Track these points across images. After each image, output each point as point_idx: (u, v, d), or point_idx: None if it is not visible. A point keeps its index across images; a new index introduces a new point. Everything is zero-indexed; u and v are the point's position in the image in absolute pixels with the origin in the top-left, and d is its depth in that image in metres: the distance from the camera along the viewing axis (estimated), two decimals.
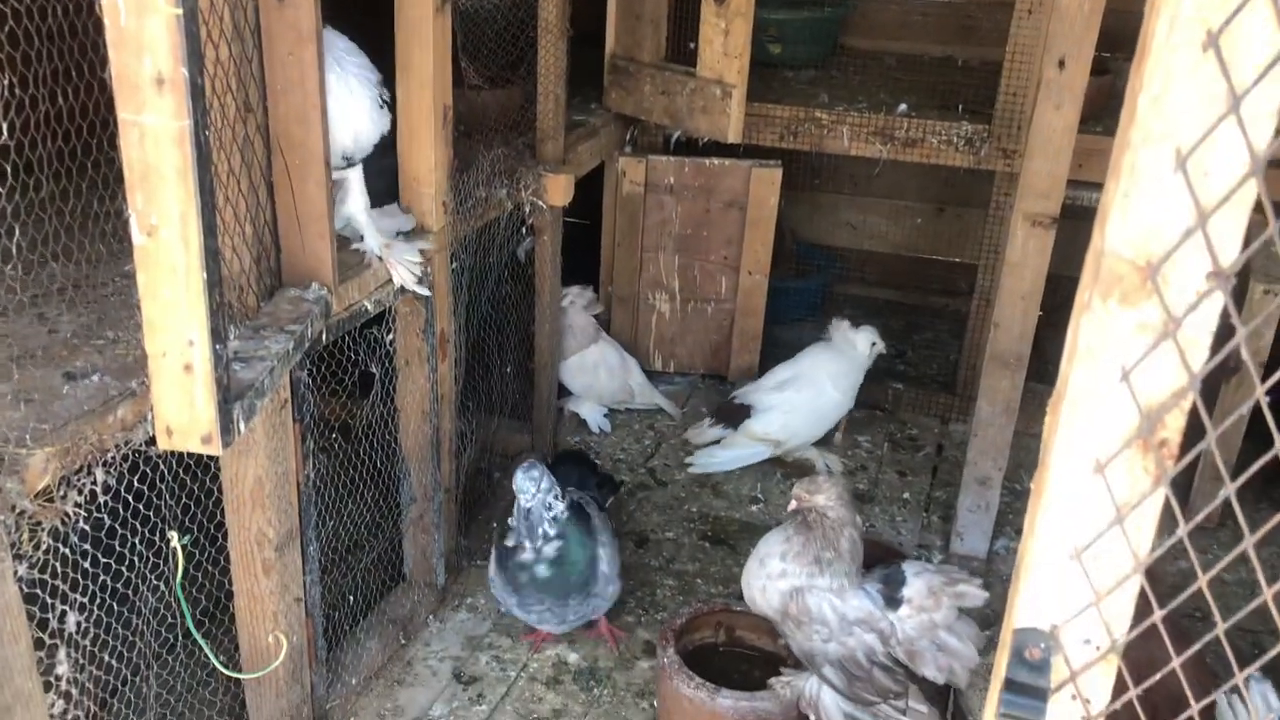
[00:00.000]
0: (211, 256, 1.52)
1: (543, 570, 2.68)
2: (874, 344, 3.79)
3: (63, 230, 2.03)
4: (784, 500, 3.66)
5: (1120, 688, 1.01)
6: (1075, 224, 2.97)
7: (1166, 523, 0.97)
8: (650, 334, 4.28)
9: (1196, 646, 0.96)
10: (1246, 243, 0.83)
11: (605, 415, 4.01)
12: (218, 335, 1.57)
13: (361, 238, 2.49)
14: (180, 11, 1.36)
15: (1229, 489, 0.87)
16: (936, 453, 4.02)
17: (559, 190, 3.35)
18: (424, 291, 2.61)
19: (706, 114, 3.66)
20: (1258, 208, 0.83)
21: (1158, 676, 0.94)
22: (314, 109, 1.96)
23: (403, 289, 2.56)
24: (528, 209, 3.35)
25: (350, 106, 2.25)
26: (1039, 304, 3.08)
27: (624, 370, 3.98)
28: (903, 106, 3.86)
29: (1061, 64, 2.81)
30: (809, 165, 4.60)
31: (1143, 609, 0.96)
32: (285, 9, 1.87)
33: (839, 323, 3.85)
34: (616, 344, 4.05)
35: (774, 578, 2.44)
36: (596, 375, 3.90)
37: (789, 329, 4.48)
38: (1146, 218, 0.85)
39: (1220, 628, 0.87)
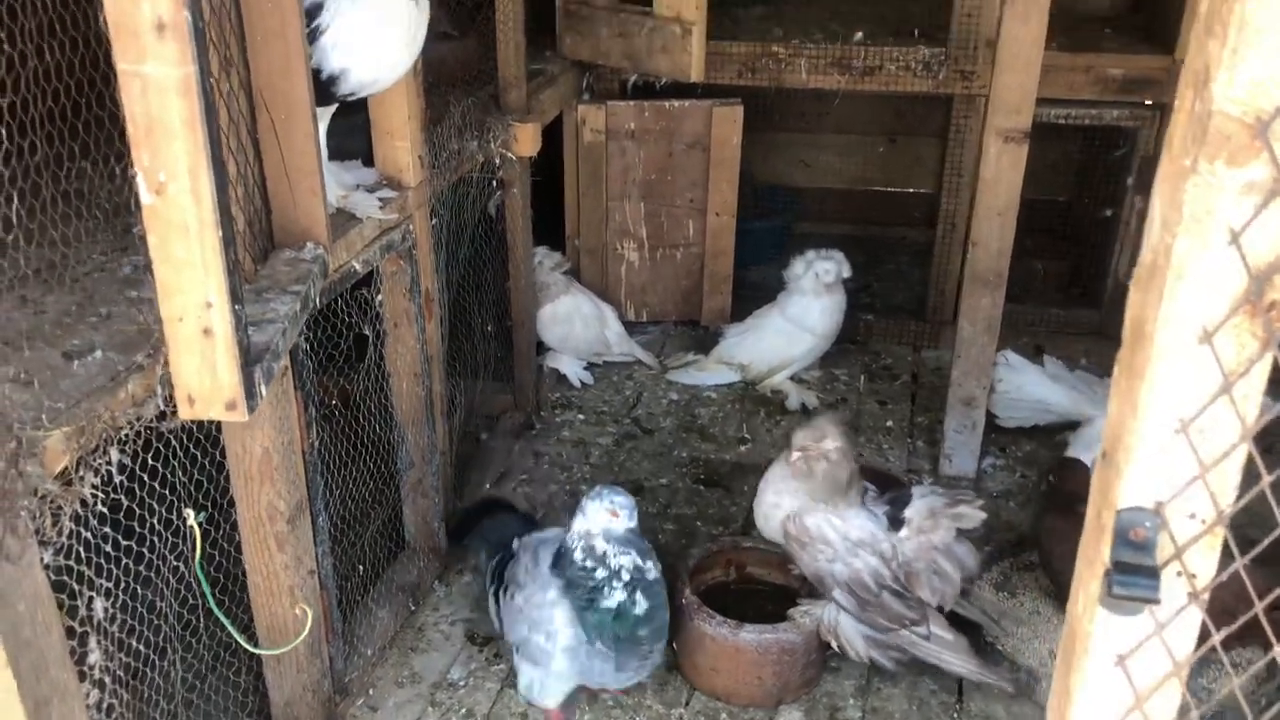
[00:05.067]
0: (224, 212, 1.45)
1: (642, 607, 2.34)
2: (816, 274, 3.79)
3: (25, 212, 1.93)
4: (771, 439, 3.69)
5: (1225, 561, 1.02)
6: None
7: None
8: (621, 284, 4.25)
9: None
10: None
11: (585, 368, 3.98)
12: (235, 296, 1.50)
13: None
14: None
15: None
16: (913, 380, 4.06)
17: (527, 140, 3.29)
18: (382, 216, 2.45)
19: (667, 54, 3.60)
20: None
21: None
22: (297, 59, 1.87)
23: (389, 248, 2.48)
24: (497, 161, 3.28)
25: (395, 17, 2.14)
26: (1015, 220, 3.11)
27: (599, 320, 3.94)
28: (859, 35, 3.85)
29: None
30: (762, 104, 4.57)
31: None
32: None
33: (792, 261, 3.89)
34: (590, 294, 4.01)
35: (770, 505, 2.46)
36: (572, 325, 3.87)
37: (755, 271, 4.47)
38: (1256, 72, 0.84)
39: None
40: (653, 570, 2.38)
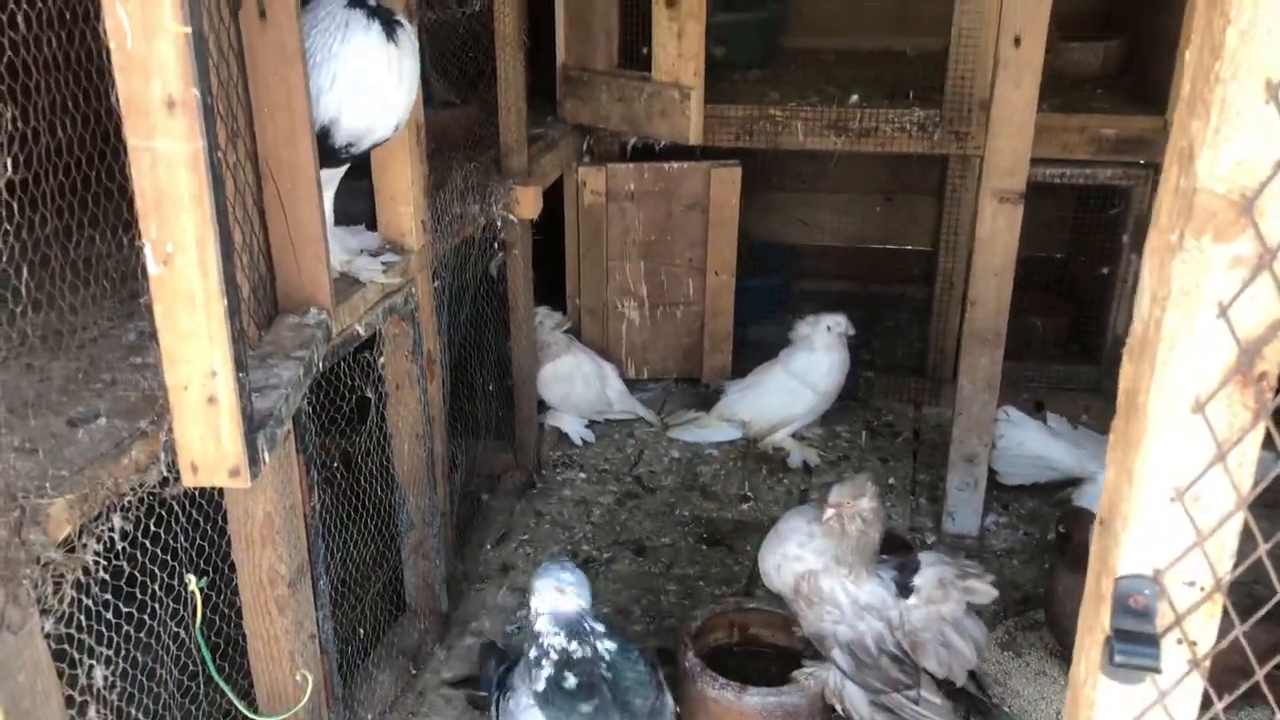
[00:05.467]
0: (230, 282, 1.47)
1: (572, 683, 2.17)
2: (828, 327, 3.82)
3: (33, 282, 1.95)
4: (773, 496, 3.68)
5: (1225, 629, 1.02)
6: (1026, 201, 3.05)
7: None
8: (622, 342, 4.27)
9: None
10: None
11: (586, 426, 3.99)
12: (240, 364, 1.52)
13: None
14: (189, 30, 1.31)
15: None
16: (914, 437, 4.06)
17: (529, 202, 3.33)
18: (385, 280, 2.46)
19: (666, 117, 3.67)
20: None
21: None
22: (302, 129, 1.91)
23: (391, 311, 2.51)
24: (499, 223, 3.32)
25: (385, 72, 2.17)
26: (1012, 279, 3.14)
27: (600, 379, 3.96)
28: (855, 97, 3.92)
29: (1018, 41, 2.88)
30: (760, 165, 4.64)
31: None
32: (268, 29, 1.83)
33: (798, 322, 3.91)
34: (591, 352, 4.03)
35: (790, 559, 2.45)
36: (572, 385, 3.88)
37: (756, 328, 4.50)
38: (1239, 152, 0.86)
39: None
40: (587, 649, 2.19)
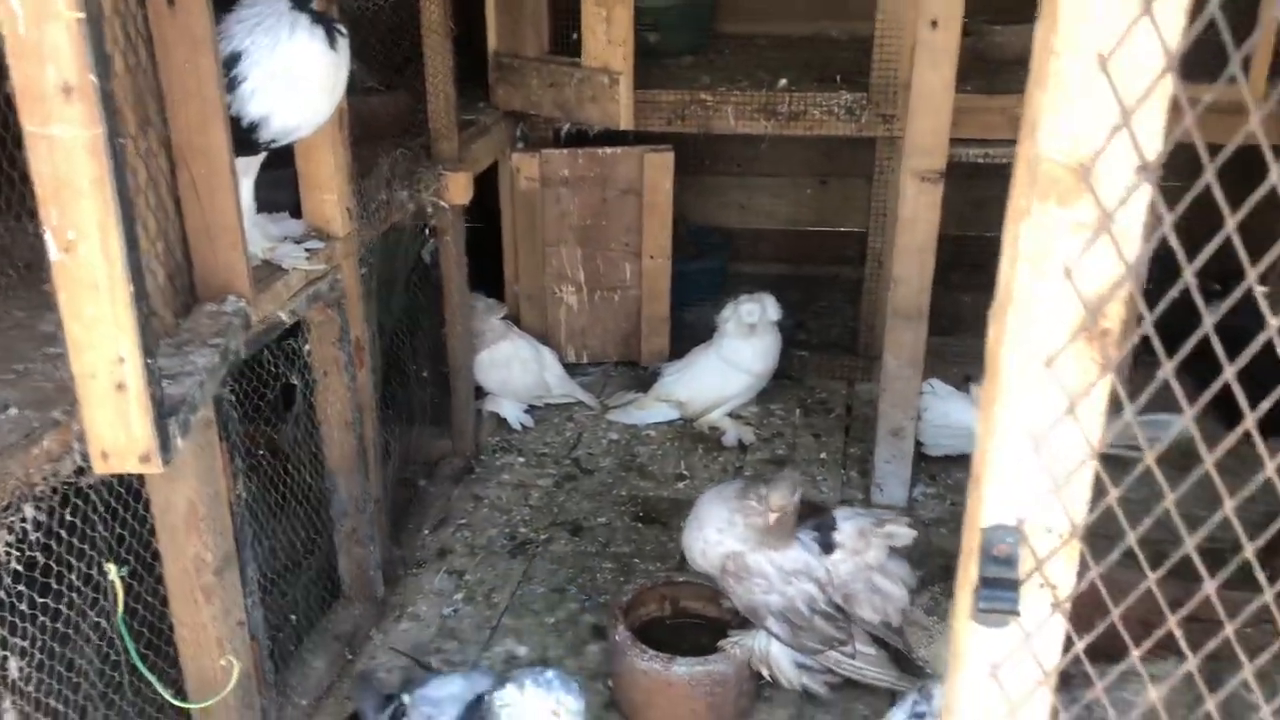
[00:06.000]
0: (136, 269, 1.48)
1: None
2: (737, 309, 3.87)
3: None
4: (709, 474, 3.74)
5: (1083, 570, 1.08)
6: (954, 181, 3.13)
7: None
8: (560, 327, 4.30)
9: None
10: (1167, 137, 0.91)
11: (525, 411, 4.01)
12: (148, 350, 1.52)
13: None
14: (82, 15, 1.32)
15: (1166, 368, 0.95)
16: (846, 413, 4.15)
17: (459, 188, 3.34)
18: (309, 267, 2.46)
19: (596, 103, 3.70)
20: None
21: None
22: (215, 115, 1.91)
23: (316, 298, 2.51)
24: (430, 210, 3.33)
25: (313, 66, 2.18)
26: (934, 257, 3.21)
27: (538, 364, 3.99)
28: (783, 81, 3.97)
29: (935, 24, 2.94)
30: (696, 150, 4.68)
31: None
32: (177, 15, 1.82)
33: (724, 307, 3.97)
34: (529, 338, 4.05)
35: (712, 544, 2.50)
36: (510, 370, 3.90)
37: (694, 311, 4.54)
38: (1074, 123, 0.92)
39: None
40: None
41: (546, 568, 3.24)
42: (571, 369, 4.24)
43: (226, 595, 2.20)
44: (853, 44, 4.36)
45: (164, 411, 1.59)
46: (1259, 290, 0.94)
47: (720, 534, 2.52)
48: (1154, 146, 0.91)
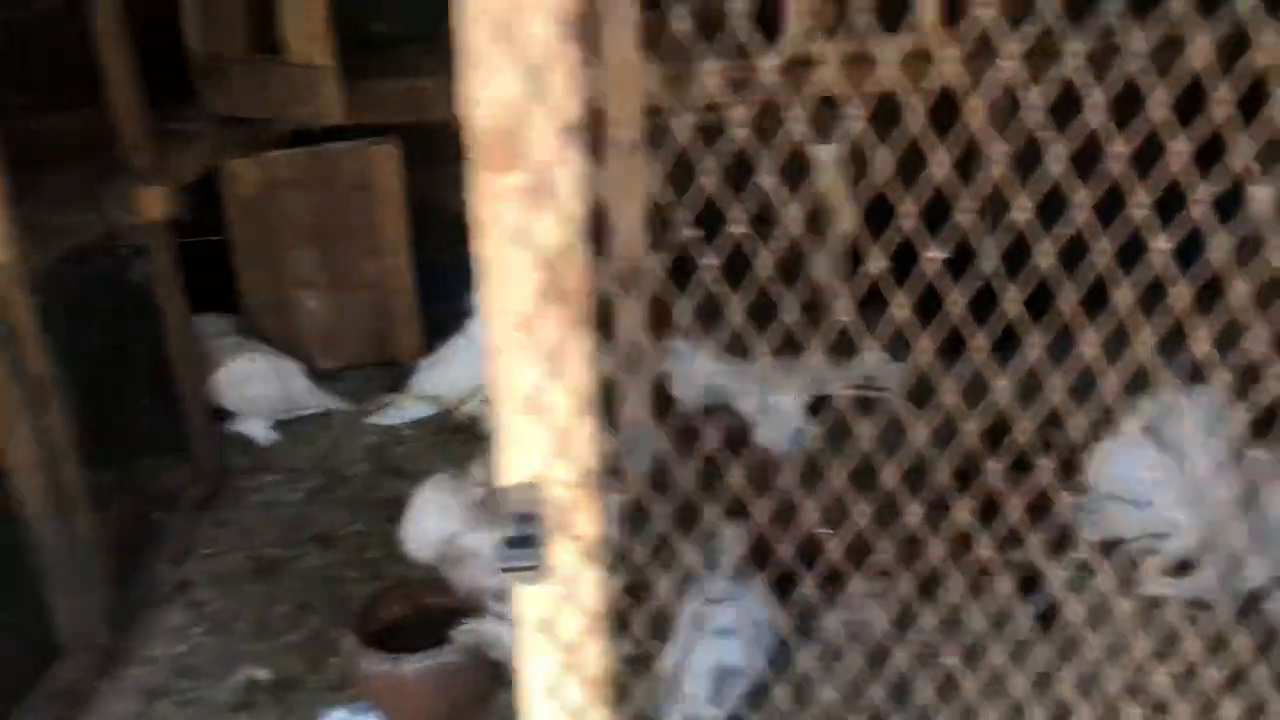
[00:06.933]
0: None
1: None
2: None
3: None
4: (470, 463, 3.72)
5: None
6: None
7: None
8: (306, 335, 4.18)
9: None
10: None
11: (271, 427, 3.87)
12: None
13: None
14: None
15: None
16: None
17: (156, 203, 3.18)
18: None
19: (306, 100, 3.61)
20: None
21: None
22: None
23: None
24: (128, 229, 3.16)
25: None
26: None
27: (279, 378, 3.86)
28: None
29: None
30: (435, 140, 4.62)
31: None
32: None
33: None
34: (268, 350, 3.92)
35: (429, 533, 2.50)
36: (250, 386, 3.77)
37: (452, 302, 4.49)
38: (493, 90, 0.94)
39: None
40: None
41: (293, 586, 3.15)
42: (326, 376, 4.13)
43: None
44: None
45: None
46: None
47: (437, 520, 2.51)
48: (573, 107, 0.95)
